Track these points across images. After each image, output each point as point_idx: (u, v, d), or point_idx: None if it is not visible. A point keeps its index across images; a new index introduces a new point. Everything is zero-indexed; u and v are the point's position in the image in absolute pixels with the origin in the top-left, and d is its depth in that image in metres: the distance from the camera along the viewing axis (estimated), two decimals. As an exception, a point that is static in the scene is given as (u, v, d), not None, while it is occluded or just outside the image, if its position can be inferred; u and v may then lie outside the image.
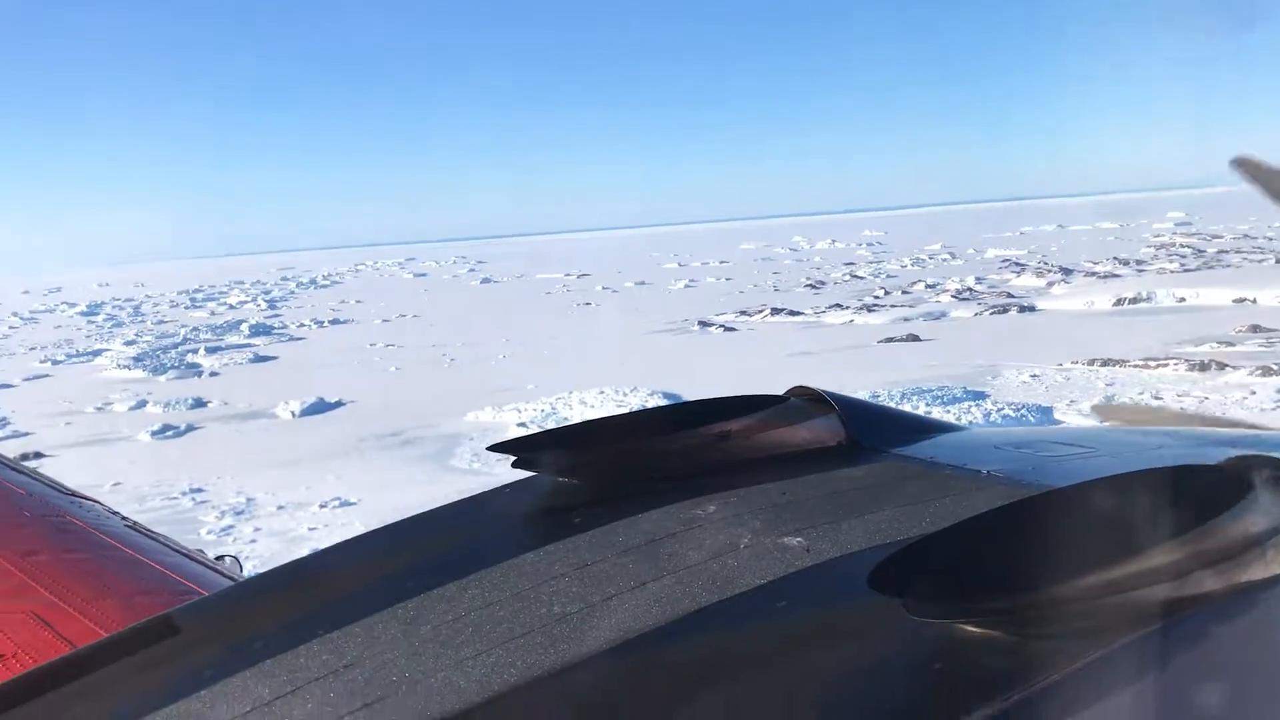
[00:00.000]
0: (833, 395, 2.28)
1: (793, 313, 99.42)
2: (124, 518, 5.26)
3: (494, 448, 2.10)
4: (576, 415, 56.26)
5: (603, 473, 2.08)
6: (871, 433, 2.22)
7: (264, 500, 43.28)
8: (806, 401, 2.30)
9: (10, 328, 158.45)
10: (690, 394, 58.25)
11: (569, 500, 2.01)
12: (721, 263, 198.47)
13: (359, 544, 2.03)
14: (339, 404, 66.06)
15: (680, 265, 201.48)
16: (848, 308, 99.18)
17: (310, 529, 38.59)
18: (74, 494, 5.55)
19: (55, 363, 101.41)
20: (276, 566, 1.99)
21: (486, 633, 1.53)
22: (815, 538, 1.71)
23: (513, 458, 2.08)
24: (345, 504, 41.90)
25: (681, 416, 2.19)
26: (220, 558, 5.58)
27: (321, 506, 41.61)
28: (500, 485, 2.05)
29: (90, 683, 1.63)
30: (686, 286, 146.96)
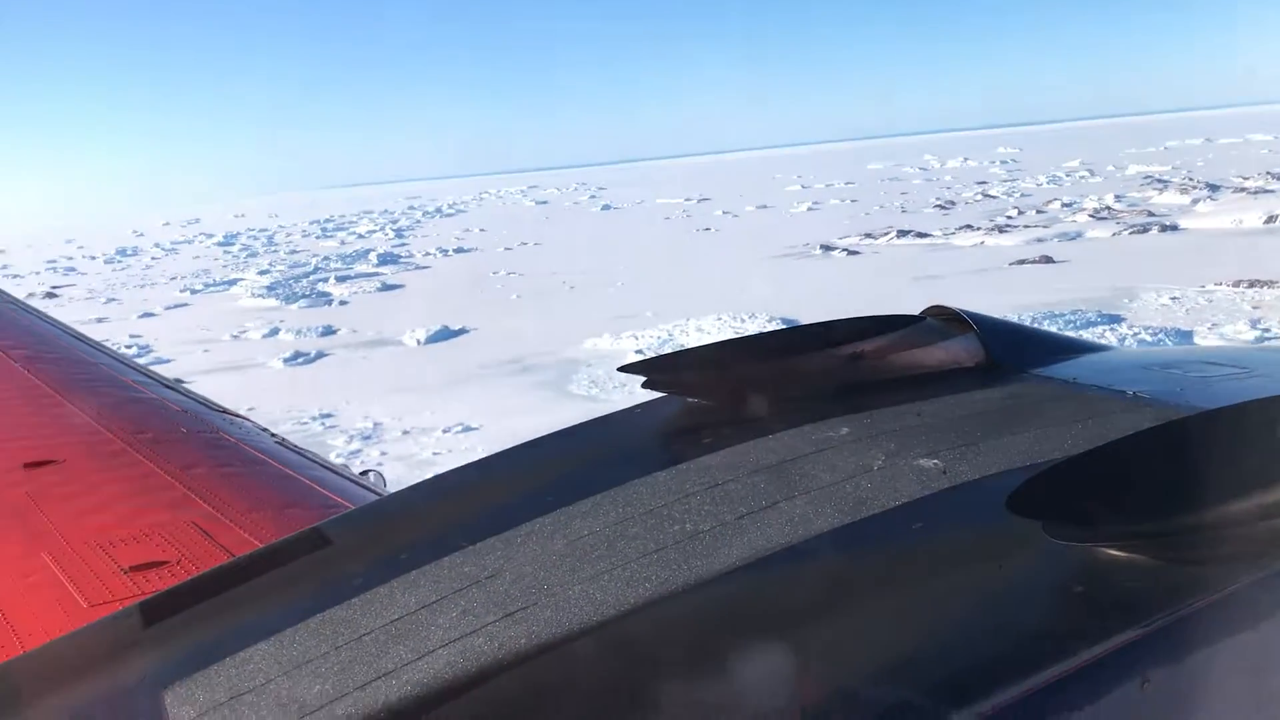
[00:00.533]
0: (971, 314, 2.20)
1: (920, 235, 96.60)
2: (273, 434, 5.52)
3: (625, 368, 2.09)
4: (694, 342, 55.86)
5: (733, 394, 2.04)
6: (1012, 353, 2.16)
7: (390, 425, 44.40)
8: (943, 321, 2.23)
9: (153, 258, 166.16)
10: (813, 318, 57.78)
11: (699, 421, 1.98)
12: (847, 184, 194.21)
13: (496, 461, 2.02)
14: (462, 331, 67.18)
15: (803, 188, 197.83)
16: (978, 229, 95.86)
17: (434, 453, 39.45)
18: (226, 411, 5.87)
19: (194, 292, 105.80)
20: (419, 481, 2.00)
21: (620, 548, 1.57)
22: (952, 460, 1.70)
23: (641, 379, 2.07)
24: (467, 429, 42.66)
25: (813, 337, 2.13)
26: (365, 473, 5.80)
27: (445, 431, 42.46)
28: (632, 405, 2.03)
29: (248, 590, 1.70)
30: (809, 210, 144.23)
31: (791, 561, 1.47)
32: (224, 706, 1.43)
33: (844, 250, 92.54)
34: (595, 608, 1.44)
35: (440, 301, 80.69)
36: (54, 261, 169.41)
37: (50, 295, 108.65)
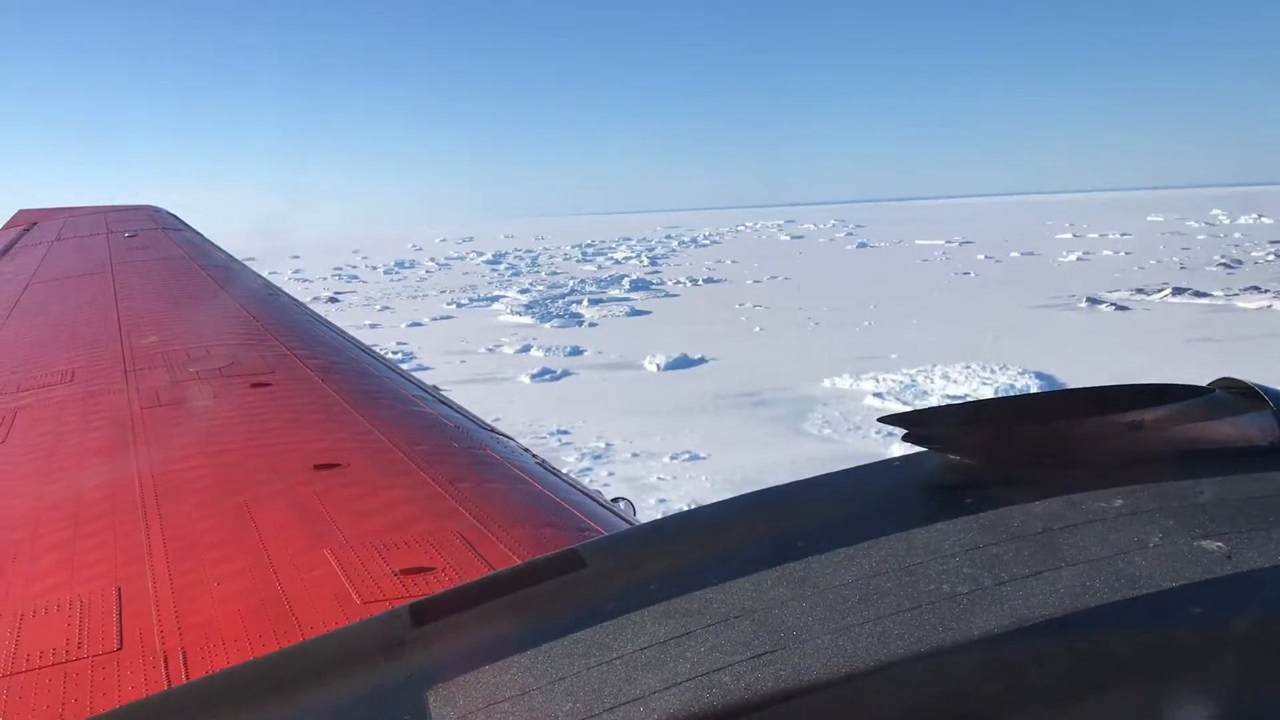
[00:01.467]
0: (1266, 389, 2.04)
1: (1199, 293, 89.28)
2: (534, 455, 5.81)
3: (886, 419, 2.02)
4: (938, 388, 53.94)
5: (999, 454, 1.96)
6: None
7: (621, 447, 45.24)
8: (1234, 395, 2.05)
9: (427, 271, 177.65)
10: (1066, 376, 54.64)
11: (961, 480, 1.92)
12: (1123, 235, 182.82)
13: (752, 500, 2.00)
14: (701, 360, 67.72)
15: (1075, 236, 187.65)
16: (1267, 291, 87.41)
17: (659, 478, 39.88)
18: (492, 429, 6.26)
19: (459, 305, 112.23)
20: (673, 514, 2.04)
21: (874, 602, 1.54)
22: (1239, 544, 1.60)
23: (885, 428, 1.93)
24: (694, 458, 42.82)
25: (1090, 402, 2.00)
26: (616, 500, 6.05)
27: (672, 458, 42.80)
28: (890, 458, 1.99)
29: (508, 602, 1.74)
30: (1079, 260, 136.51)
31: (1054, 634, 1.43)
32: (482, 712, 1.49)
33: (1112, 305, 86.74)
34: (844, 660, 1.42)
35: (684, 329, 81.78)
36: (340, 269, 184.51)
37: (333, 300, 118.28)
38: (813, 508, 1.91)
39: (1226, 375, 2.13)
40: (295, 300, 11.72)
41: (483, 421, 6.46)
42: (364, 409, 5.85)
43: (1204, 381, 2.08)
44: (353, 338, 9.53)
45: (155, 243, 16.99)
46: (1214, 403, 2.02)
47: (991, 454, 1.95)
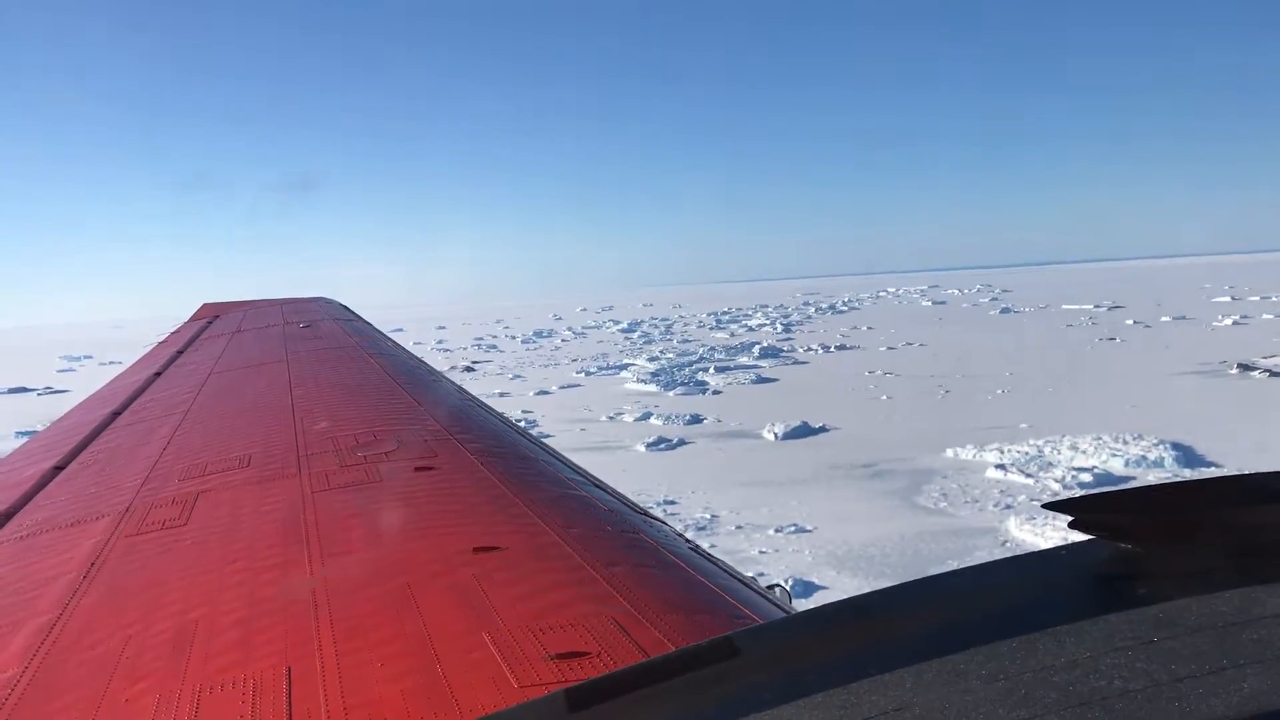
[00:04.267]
0: None
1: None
2: (688, 540, 5.97)
3: (1050, 505, 2.01)
4: (1064, 460, 51.48)
5: (1171, 543, 1.92)
6: None
7: (726, 518, 44.59)
8: None
9: (563, 340, 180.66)
10: (1205, 448, 51.64)
11: (1132, 569, 1.88)
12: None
13: (911, 589, 1.99)
14: (822, 429, 66.49)
15: (1233, 299, 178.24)
16: None
17: (760, 551, 39.07)
18: (646, 514, 6.42)
19: (589, 373, 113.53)
20: (830, 603, 2.01)
21: (1040, 697, 1.50)
22: None
23: (1068, 517, 1.98)
24: (800, 530, 41.85)
25: (1272, 487, 1.95)
26: (772, 587, 6.07)
27: (776, 530, 41.93)
28: (1058, 545, 1.95)
29: (660, 689, 1.76)
30: (1234, 324, 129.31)
31: None
32: None
33: (1266, 371, 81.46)
34: None
35: (808, 397, 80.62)
36: (480, 338, 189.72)
37: (469, 369, 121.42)
38: (975, 597, 1.87)
39: None
40: (458, 386, 12.36)
41: (637, 505, 6.58)
42: (521, 492, 6.04)
43: None
44: (511, 421, 9.90)
45: (328, 332, 18.13)
46: None
47: (1167, 543, 1.87)
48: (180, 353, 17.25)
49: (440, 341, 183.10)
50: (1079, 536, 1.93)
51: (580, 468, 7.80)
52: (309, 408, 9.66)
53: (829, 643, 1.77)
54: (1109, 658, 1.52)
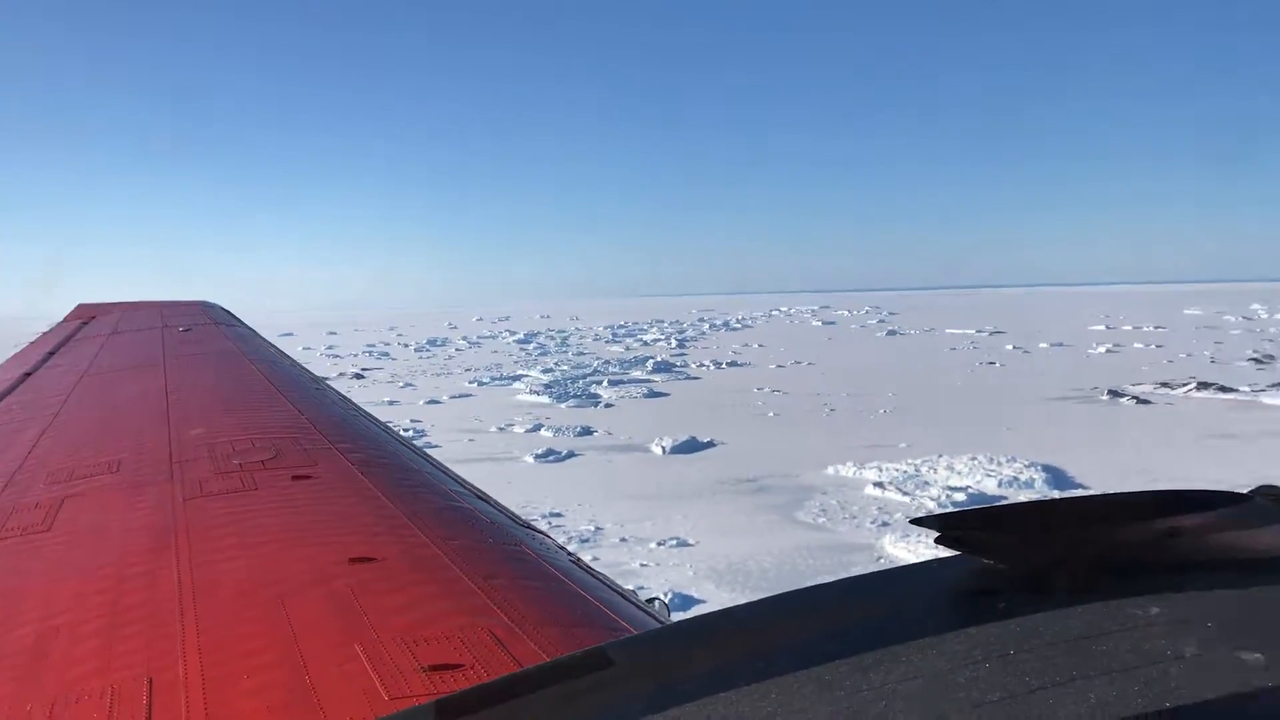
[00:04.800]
0: None
1: (1224, 389, 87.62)
2: (569, 553, 5.95)
3: (917, 521, 2.08)
4: (941, 480, 53.03)
5: (1032, 560, 1.98)
6: None
7: (610, 531, 44.71)
8: (1274, 502, 2.07)
9: (457, 349, 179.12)
10: (1075, 471, 53.67)
11: (992, 584, 1.94)
12: (1156, 328, 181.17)
13: (781, 601, 2.02)
14: (709, 444, 67.22)
15: (1108, 328, 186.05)
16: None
17: (642, 564, 39.26)
18: (529, 526, 6.38)
19: (481, 384, 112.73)
20: (703, 614, 2.03)
21: (900, 709, 1.54)
22: (1278, 657, 1.59)
23: (933, 533, 2.04)
24: (681, 544, 42.19)
25: (1127, 507, 2.03)
26: (651, 600, 6.11)
27: (659, 544, 42.19)
28: (925, 560, 2.01)
29: (530, 701, 1.78)
30: (1108, 351, 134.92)
31: None
32: None
33: (1133, 398, 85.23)
34: None
35: (698, 412, 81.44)
36: (372, 345, 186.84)
37: (358, 376, 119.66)
38: (843, 610, 1.89)
39: (1269, 482, 2.13)
40: (342, 395, 12.14)
41: (519, 518, 6.56)
42: (401, 502, 5.99)
43: (1237, 480, 1.93)
44: (395, 432, 9.80)
45: (208, 337, 17.67)
46: (1254, 510, 2.00)
47: (1026, 559, 1.92)
48: (52, 353, 16.65)
49: (330, 348, 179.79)
50: (947, 552, 2.00)
51: (464, 479, 7.73)
52: (185, 413, 9.41)
53: (699, 655, 1.79)
54: (969, 670, 1.56)
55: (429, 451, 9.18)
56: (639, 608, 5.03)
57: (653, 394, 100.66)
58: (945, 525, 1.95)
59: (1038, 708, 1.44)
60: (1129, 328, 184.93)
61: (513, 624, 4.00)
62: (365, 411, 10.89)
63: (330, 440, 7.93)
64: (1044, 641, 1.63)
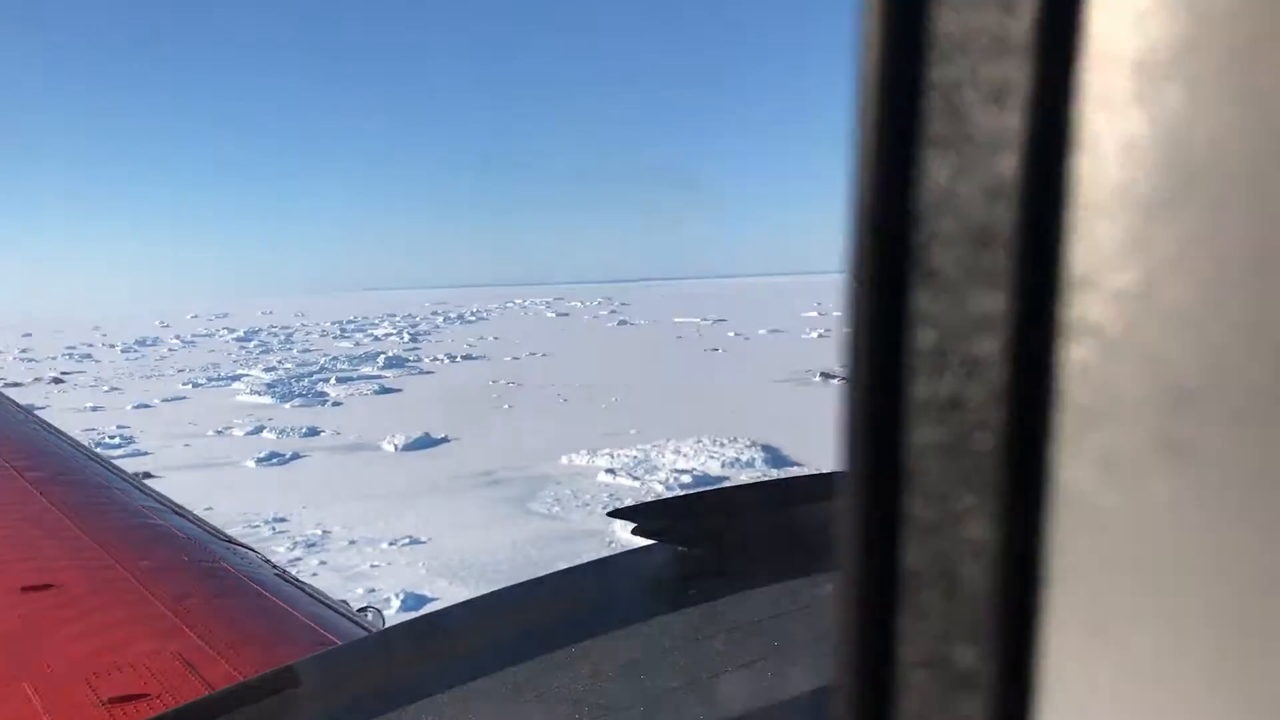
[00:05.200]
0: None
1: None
2: (275, 566, 5.70)
3: (615, 513, 2.22)
4: (668, 463, 54.83)
5: (719, 545, 2.01)
6: None
7: (339, 534, 43.22)
8: None
9: (170, 349, 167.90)
10: (791, 449, 56.80)
11: (686, 571, 1.96)
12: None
13: (478, 604, 1.99)
14: (443, 440, 66.33)
15: (820, 314, 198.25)
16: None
17: (372, 565, 38.20)
18: (231, 541, 6.10)
19: (196, 385, 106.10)
20: (401, 622, 2.11)
21: (590, 704, 1.57)
22: None
23: (631, 524, 2.07)
24: (414, 543, 41.42)
25: (807, 489, 2.07)
26: (363, 609, 5.92)
27: (390, 544, 41.22)
28: (622, 552, 2.04)
29: None
30: (820, 336, 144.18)
31: None
32: None
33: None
34: None
35: (431, 408, 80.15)
36: (73, 347, 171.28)
37: (56, 381, 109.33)
38: (537, 609, 1.87)
39: None
40: (22, 407, 11.31)
41: (223, 534, 6.31)
42: (86, 524, 5.65)
43: None
44: (85, 446, 9.12)
45: None
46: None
47: (714, 544, 1.94)
48: None
49: (25, 350, 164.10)
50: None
51: (162, 495, 7.40)
52: None
53: (390, 666, 1.77)
54: (657, 659, 1.59)
55: (138, 461, 8.68)
56: (348, 618, 4.99)
57: (384, 390, 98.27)
58: (640, 515, 2.00)
59: (716, 691, 1.48)
60: (839, 313, 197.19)
61: (207, 645, 3.90)
62: (49, 424, 10.27)
63: (6, 458, 7.51)
64: (727, 625, 1.69)
